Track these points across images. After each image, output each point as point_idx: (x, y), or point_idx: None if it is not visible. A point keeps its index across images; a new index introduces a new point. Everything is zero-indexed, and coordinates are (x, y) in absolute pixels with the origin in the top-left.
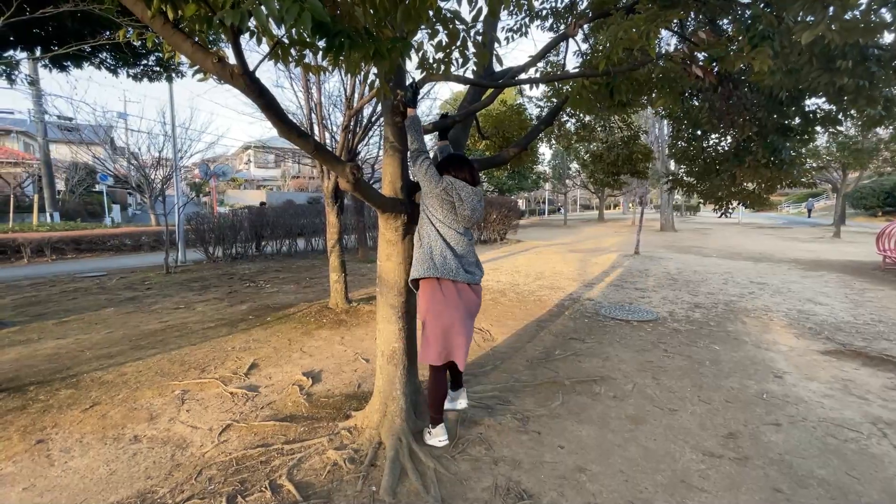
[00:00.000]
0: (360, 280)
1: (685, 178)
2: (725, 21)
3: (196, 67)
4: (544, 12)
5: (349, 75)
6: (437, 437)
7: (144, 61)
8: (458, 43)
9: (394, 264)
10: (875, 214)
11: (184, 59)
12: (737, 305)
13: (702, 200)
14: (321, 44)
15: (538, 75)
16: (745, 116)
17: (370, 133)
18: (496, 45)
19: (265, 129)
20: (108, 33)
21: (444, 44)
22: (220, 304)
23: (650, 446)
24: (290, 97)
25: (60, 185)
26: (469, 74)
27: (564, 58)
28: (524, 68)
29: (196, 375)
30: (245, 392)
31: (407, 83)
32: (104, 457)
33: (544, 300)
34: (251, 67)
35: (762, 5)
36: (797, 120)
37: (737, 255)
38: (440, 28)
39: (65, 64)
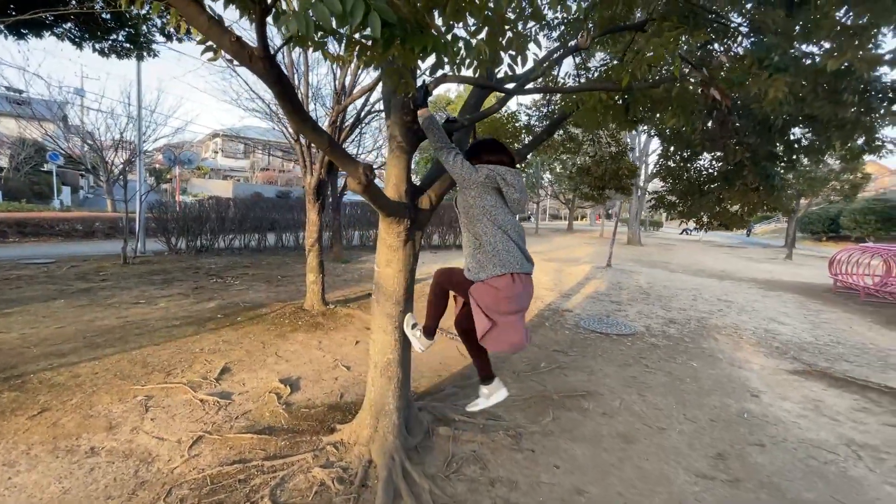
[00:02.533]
0: (335, 281)
1: (668, 196)
2: (719, 47)
3: (205, 45)
4: (555, 21)
5: (339, 68)
6: (420, 341)
7: (114, 36)
8: (505, 42)
9: (394, 271)
10: (820, 239)
11: (160, 38)
12: (708, 322)
13: (684, 219)
14: (368, 32)
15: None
16: (735, 140)
17: (356, 130)
18: (537, 46)
19: (237, 118)
20: (73, 2)
21: (485, 41)
22: (185, 300)
23: (645, 467)
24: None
25: (3, 162)
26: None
27: (558, 70)
28: (531, 76)
29: (161, 379)
30: (217, 399)
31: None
32: (56, 472)
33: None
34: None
35: (766, 35)
36: (780, 148)
37: (701, 271)
38: (485, 26)
39: (23, 31)
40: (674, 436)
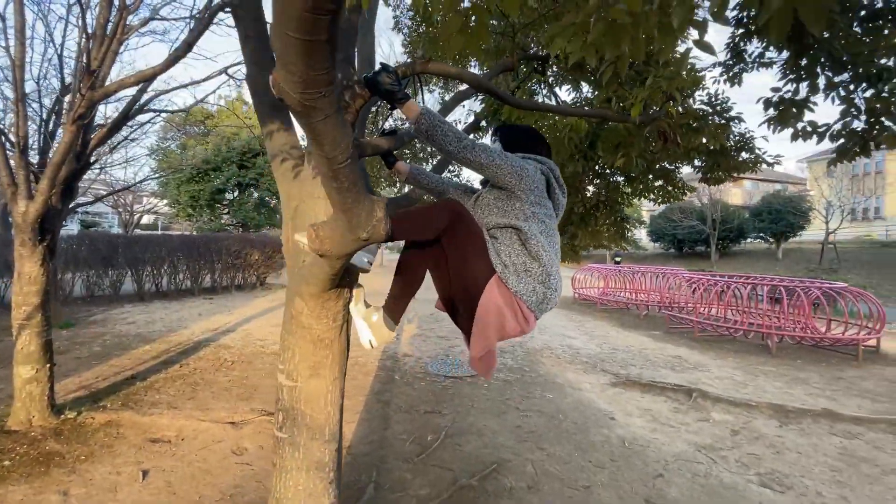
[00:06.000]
0: (62, 362)
1: None
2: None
3: None
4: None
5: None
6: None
7: None
8: None
9: (325, 383)
10: None
11: None
12: (527, 346)
13: None
14: None
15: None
16: (590, 184)
17: (116, 134)
18: None
19: None
20: None
21: None
22: None
23: None
24: None
25: None
26: None
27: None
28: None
29: None
30: None
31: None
32: None
33: (363, 363)
34: None
35: None
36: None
37: None
38: None
39: None
40: (602, 493)
